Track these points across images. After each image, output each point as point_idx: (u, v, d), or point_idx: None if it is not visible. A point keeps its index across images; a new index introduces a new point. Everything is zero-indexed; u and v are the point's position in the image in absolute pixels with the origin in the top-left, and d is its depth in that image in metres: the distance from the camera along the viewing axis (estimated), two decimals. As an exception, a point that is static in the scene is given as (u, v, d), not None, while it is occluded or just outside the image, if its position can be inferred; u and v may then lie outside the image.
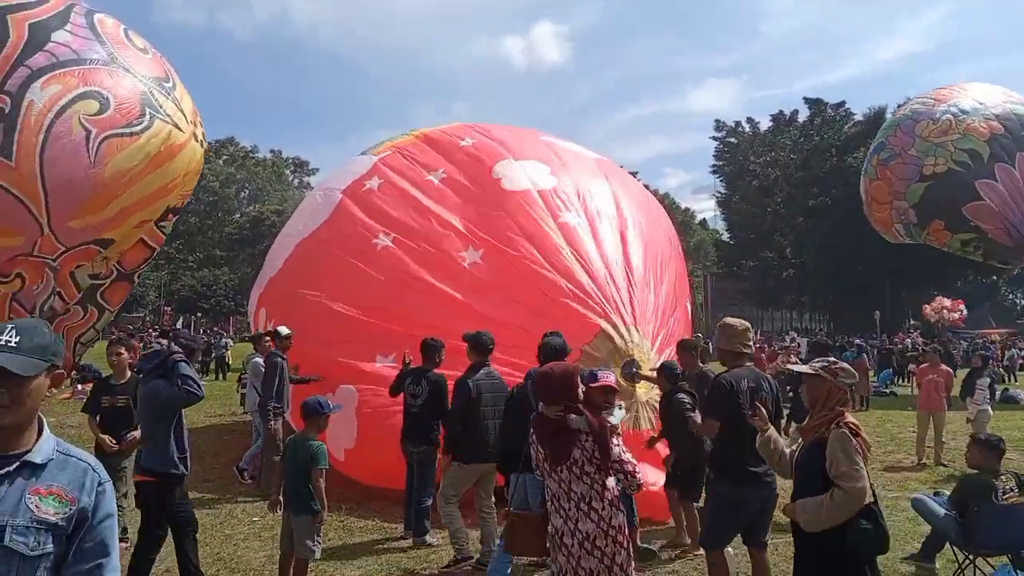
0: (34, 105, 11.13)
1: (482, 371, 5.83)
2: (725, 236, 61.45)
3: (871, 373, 20.57)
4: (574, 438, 3.45)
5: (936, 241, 14.50)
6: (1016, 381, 22.14)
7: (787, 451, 3.70)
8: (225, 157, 60.60)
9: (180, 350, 4.89)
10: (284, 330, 7.97)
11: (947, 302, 26.40)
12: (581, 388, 3.60)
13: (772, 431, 3.76)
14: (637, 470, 3.51)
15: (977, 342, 31.20)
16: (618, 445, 3.51)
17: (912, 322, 47.49)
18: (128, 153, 12.87)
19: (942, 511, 5.31)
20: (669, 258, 9.15)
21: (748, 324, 4.85)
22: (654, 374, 6.58)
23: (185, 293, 49.15)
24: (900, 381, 24.31)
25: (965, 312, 28.29)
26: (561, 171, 8.94)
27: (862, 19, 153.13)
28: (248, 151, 64.40)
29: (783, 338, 36.16)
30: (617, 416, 3.87)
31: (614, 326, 7.32)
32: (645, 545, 5.86)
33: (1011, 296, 63.58)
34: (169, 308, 48.84)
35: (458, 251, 7.98)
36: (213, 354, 25.68)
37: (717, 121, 56.95)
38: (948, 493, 5.78)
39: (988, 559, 5.08)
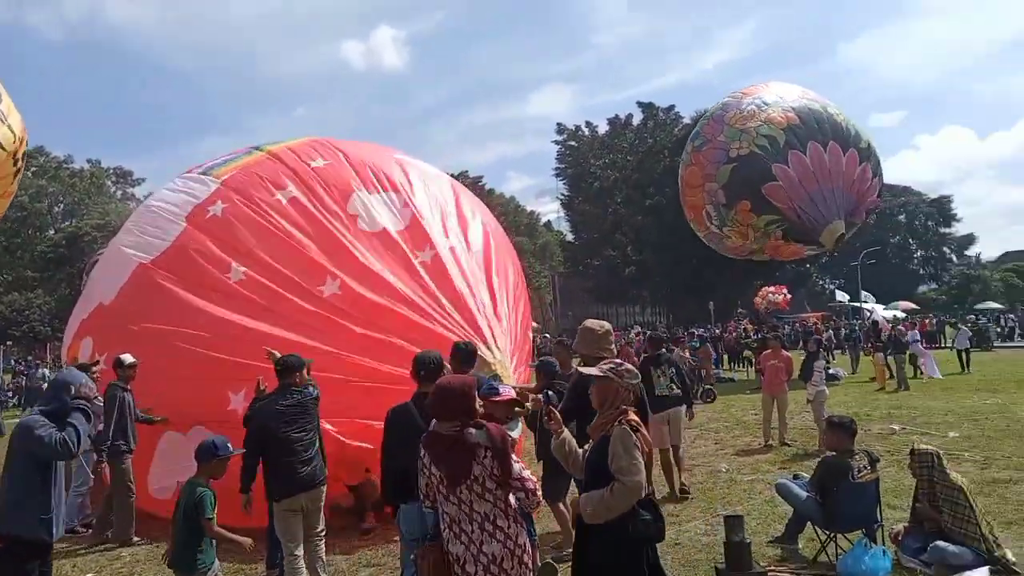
0: None
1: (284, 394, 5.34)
2: (570, 237, 63.50)
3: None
4: (473, 453, 3.28)
5: (743, 222, 15.44)
6: (835, 359, 24.41)
7: (579, 452, 3.74)
8: (35, 168, 54.43)
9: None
10: (128, 358, 7.14)
11: (771, 288, 28.74)
12: (479, 402, 3.45)
13: (566, 433, 3.76)
14: (536, 487, 3.39)
15: (799, 327, 34.19)
16: (517, 461, 3.39)
17: (740, 310, 51.26)
18: None
19: (804, 494, 5.65)
20: (517, 283, 9.34)
21: (609, 326, 4.87)
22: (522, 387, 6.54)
23: (-10, 321, 43.96)
24: (736, 367, 26.12)
25: (789, 296, 30.88)
26: (413, 200, 8.70)
27: (684, 31, 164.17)
28: (61, 161, 58.56)
29: (628, 332, 37.85)
30: (516, 430, 3.74)
31: (480, 343, 7.20)
32: (547, 559, 5.70)
33: (821, 282, 70.33)
34: (-30, 339, 43.43)
35: (316, 284, 7.53)
36: (26, 385, 23.23)
37: (558, 124, 59.03)
38: (805, 475, 6.18)
39: (847, 535, 5.46)
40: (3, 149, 10.18)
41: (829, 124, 15.25)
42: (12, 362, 34.49)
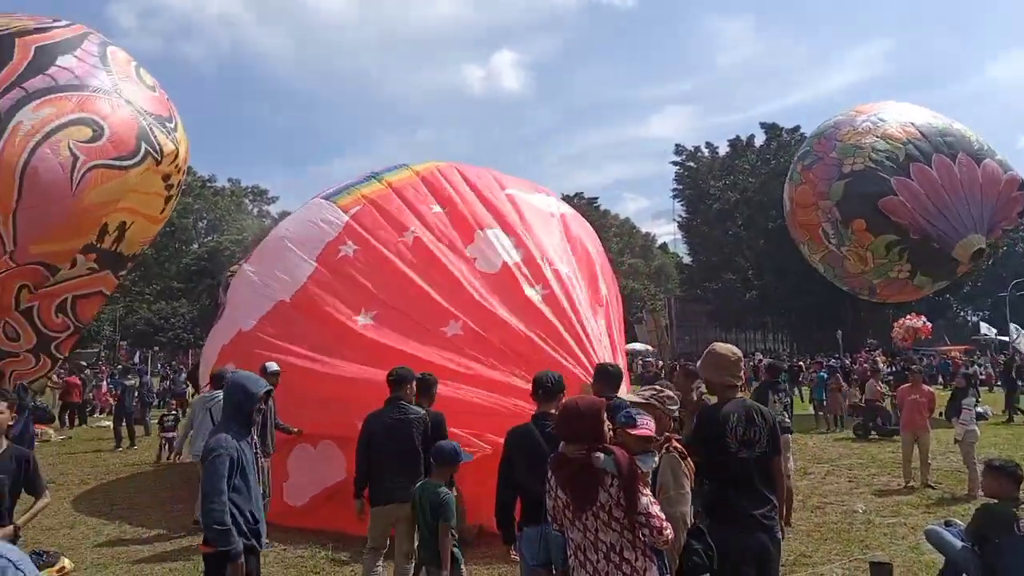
0: (21, 126, 10.61)
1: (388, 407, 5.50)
2: (687, 259, 62.11)
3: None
4: (599, 479, 3.15)
5: (860, 244, 14.31)
6: (980, 397, 22.48)
7: None
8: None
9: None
10: (272, 365, 7.47)
11: (910, 316, 26.66)
12: (608, 426, 3.33)
13: None
14: (666, 526, 3.16)
15: (944, 360, 31.69)
16: (646, 496, 3.21)
17: (871, 340, 48.30)
18: (113, 186, 12.59)
19: (959, 543, 5.13)
20: (619, 314, 9.57)
21: (740, 353, 4.55)
22: None
23: (141, 327, 47.68)
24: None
25: (930, 325, 28.65)
26: (527, 239, 8.99)
27: (803, 52, 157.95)
28: (205, 180, 63.28)
29: (750, 359, 36.39)
30: (649, 463, 3.56)
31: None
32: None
33: (962, 313, 65.30)
34: (125, 343, 47.32)
35: (438, 325, 7.86)
36: (170, 388, 24.03)
37: (677, 146, 57.95)
38: (959, 522, 5.64)
39: (1010, 593, 4.91)
40: (154, 160, 11.07)
41: (956, 138, 14.04)
42: (160, 366, 37.18)
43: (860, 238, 14.28)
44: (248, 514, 4.04)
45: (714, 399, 4.41)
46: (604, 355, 7.74)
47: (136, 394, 17.18)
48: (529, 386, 4.89)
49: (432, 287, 8.26)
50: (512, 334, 7.76)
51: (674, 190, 57.98)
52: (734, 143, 55.71)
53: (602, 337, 8.18)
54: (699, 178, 55.43)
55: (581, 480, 3.19)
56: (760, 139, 54.14)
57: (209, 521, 3.81)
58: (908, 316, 25.98)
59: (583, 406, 3.39)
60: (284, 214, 58.54)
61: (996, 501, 4.99)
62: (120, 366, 30.15)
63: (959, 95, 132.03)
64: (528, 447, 4.46)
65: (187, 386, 21.70)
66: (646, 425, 3.45)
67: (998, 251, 49.65)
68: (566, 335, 7.78)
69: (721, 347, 4.41)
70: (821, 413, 18.05)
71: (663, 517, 3.20)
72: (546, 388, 4.70)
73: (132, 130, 12.33)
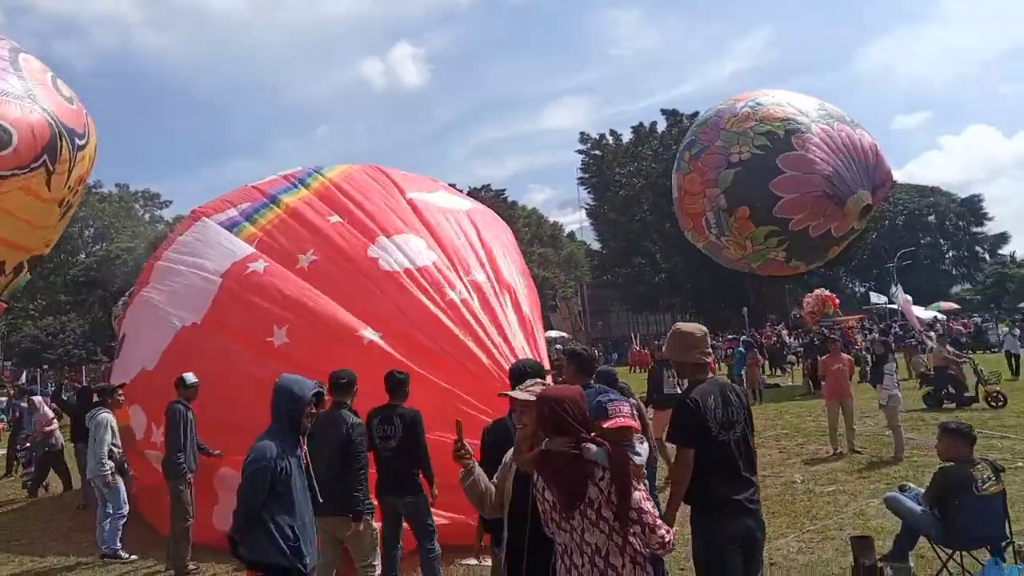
0: None
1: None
2: (596, 246, 62.97)
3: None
4: (590, 472, 2.87)
5: (740, 231, 14.69)
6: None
7: (491, 488, 3.43)
8: (63, 193, 55.23)
9: None
10: (190, 377, 6.91)
11: (826, 292, 27.70)
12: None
13: (477, 469, 3.40)
14: (660, 524, 2.91)
15: (836, 330, 33.31)
16: (640, 491, 2.93)
17: (772, 316, 50.38)
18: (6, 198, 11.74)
19: (918, 507, 5.21)
20: (533, 303, 9.31)
21: (705, 329, 4.39)
22: None
23: (27, 344, 44.30)
24: (776, 372, 25.49)
25: (838, 299, 29.97)
26: (435, 241, 8.70)
27: (696, 42, 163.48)
28: (91, 186, 59.32)
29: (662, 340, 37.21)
30: (643, 454, 3.30)
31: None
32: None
33: (850, 285, 69.14)
34: (9, 363, 43.88)
35: (355, 332, 7.45)
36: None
37: (582, 134, 58.40)
38: (914, 486, 5.73)
39: (971, 553, 5.00)
40: (46, 171, 10.20)
41: (830, 112, 14.65)
42: (48, 385, 34.63)
43: (741, 226, 14.68)
44: (288, 530, 3.68)
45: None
46: (523, 349, 7.73)
47: (32, 417, 15.80)
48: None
49: (336, 302, 7.87)
50: (435, 333, 7.53)
51: (580, 178, 58.58)
52: (637, 130, 56.70)
53: (517, 334, 8.04)
54: (604, 165, 56.13)
55: (569, 475, 2.89)
56: (662, 126, 55.40)
57: (236, 536, 3.67)
58: (820, 291, 26.96)
59: (566, 395, 3.09)
60: (179, 218, 55.69)
61: (953, 464, 5.06)
62: (16, 387, 27.75)
63: (835, 81, 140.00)
64: (505, 442, 4.15)
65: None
66: (620, 413, 3.15)
67: (881, 225, 52.79)
68: (483, 334, 7.66)
69: (685, 326, 4.20)
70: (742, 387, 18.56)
71: (656, 515, 2.96)
72: (529, 377, 4.21)
73: (42, 140, 11.80)
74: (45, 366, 43.72)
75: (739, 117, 14.91)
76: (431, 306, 7.72)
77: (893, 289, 31.78)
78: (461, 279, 8.22)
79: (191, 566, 6.83)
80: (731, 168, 14.51)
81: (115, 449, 7.82)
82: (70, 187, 10.29)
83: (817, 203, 13.76)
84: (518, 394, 3.37)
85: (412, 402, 5.70)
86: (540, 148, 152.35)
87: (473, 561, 5.88)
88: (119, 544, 7.52)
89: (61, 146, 12.06)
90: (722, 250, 15.68)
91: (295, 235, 8.80)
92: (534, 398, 3.13)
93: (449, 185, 12.01)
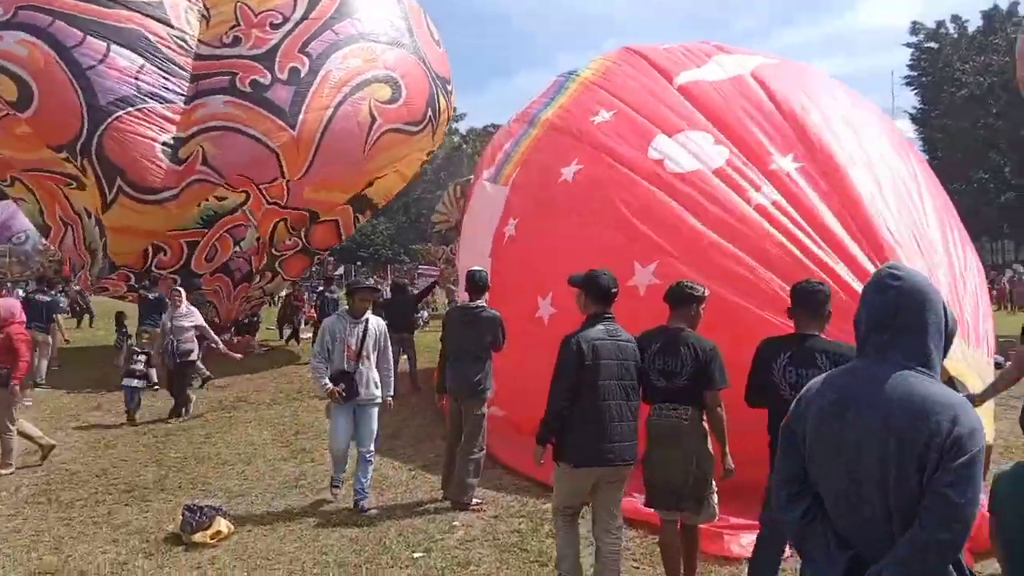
0: (330, 76, 11.25)
1: (599, 327, 3.91)
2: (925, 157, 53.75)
3: None
4: None
5: None
6: None
7: None
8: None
9: None
10: None
11: None
12: None
13: None
14: None
15: None
16: None
17: None
18: (396, 152, 12.24)
19: None
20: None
21: None
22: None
23: (345, 244, 50.65)
24: None
25: None
26: (721, 133, 6.67)
27: None
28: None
29: (1000, 274, 30.89)
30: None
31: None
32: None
33: None
34: (332, 258, 50.29)
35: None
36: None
37: (914, 24, 49.08)
38: None
39: None
40: (431, 128, 13.34)
41: None
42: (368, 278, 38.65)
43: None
44: None
45: None
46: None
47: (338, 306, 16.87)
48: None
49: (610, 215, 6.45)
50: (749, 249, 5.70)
51: (907, 77, 49.67)
52: (989, 15, 46.24)
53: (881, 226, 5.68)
54: (941, 60, 46.84)
55: None
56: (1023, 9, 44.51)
57: None
58: None
59: None
60: (471, 131, 58.15)
61: None
62: (330, 277, 31.03)
63: None
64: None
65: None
66: None
67: None
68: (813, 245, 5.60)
69: None
70: None
71: None
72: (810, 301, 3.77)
73: (423, 94, 11.90)
74: (359, 263, 49.67)
75: None
76: (739, 212, 5.91)
77: None
78: (768, 173, 6.16)
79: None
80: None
81: None
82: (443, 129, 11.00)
83: None
84: None
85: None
86: (851, 53, 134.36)
87: None
88: None
89: (438, 98, 12.89)
90: None
91: (554, 149, 7.62)
92: None
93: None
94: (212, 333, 9.72)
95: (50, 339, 11.64)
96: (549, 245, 6.72)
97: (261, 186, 11.10)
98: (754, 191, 5.98)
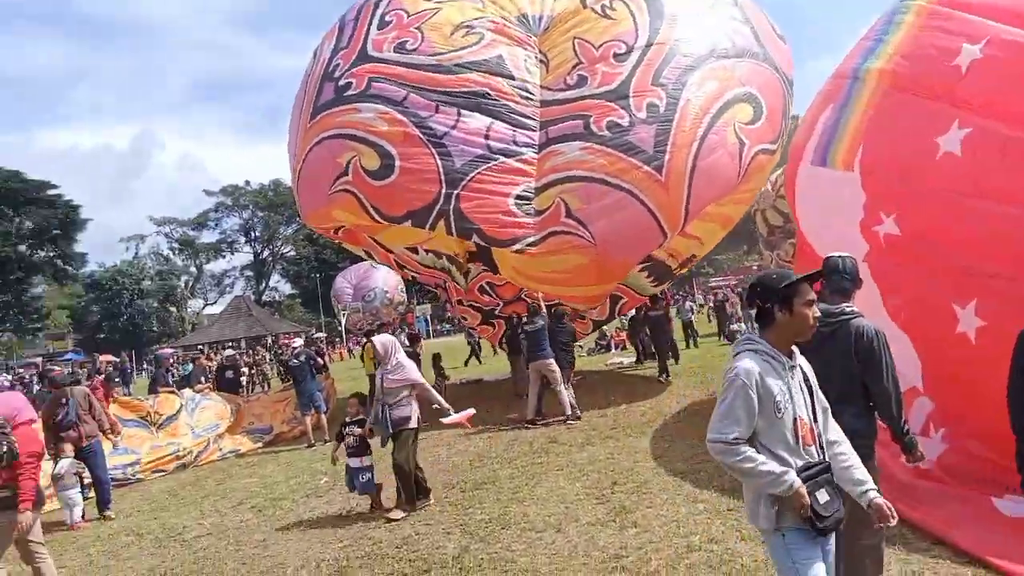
0: (690, 106, 9.78)
1: None
2: None
3: None
4: None
5: None
6: None
7: None
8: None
9: None
10: None
11: None
12: None
13: None
14: None
15: None
16: None
17: None
18: (764, 175, 11.25)
19: None
20: None
21: None
22: None
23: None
24: None
25: None
26: None
27: None
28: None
29: None
30: None
31: None
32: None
33: None
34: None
35: None
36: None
37: None
38: None
39: None
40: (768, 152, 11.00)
41: None
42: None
43: None
44: None
45: None
46: None
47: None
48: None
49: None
50: None
51: None
52: None
53: None
54: None
55: None
56: None
57: None
58: None
59: None
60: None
61: None
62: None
63: None
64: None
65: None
66: None
67: None
68: None
69: None
70: None
71: None
72: None
73: (781, 105, 10.69)
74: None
75: None
76: None
77: None
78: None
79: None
80: None
81: None
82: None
83: None
84: None
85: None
86: None
87: None
88: None
89: (789, 106, 11.07)
90: None
91: (909, 114, 5.79)
92: None
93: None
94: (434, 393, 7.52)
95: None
96: (954, 239, 5.24)
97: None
98: None
